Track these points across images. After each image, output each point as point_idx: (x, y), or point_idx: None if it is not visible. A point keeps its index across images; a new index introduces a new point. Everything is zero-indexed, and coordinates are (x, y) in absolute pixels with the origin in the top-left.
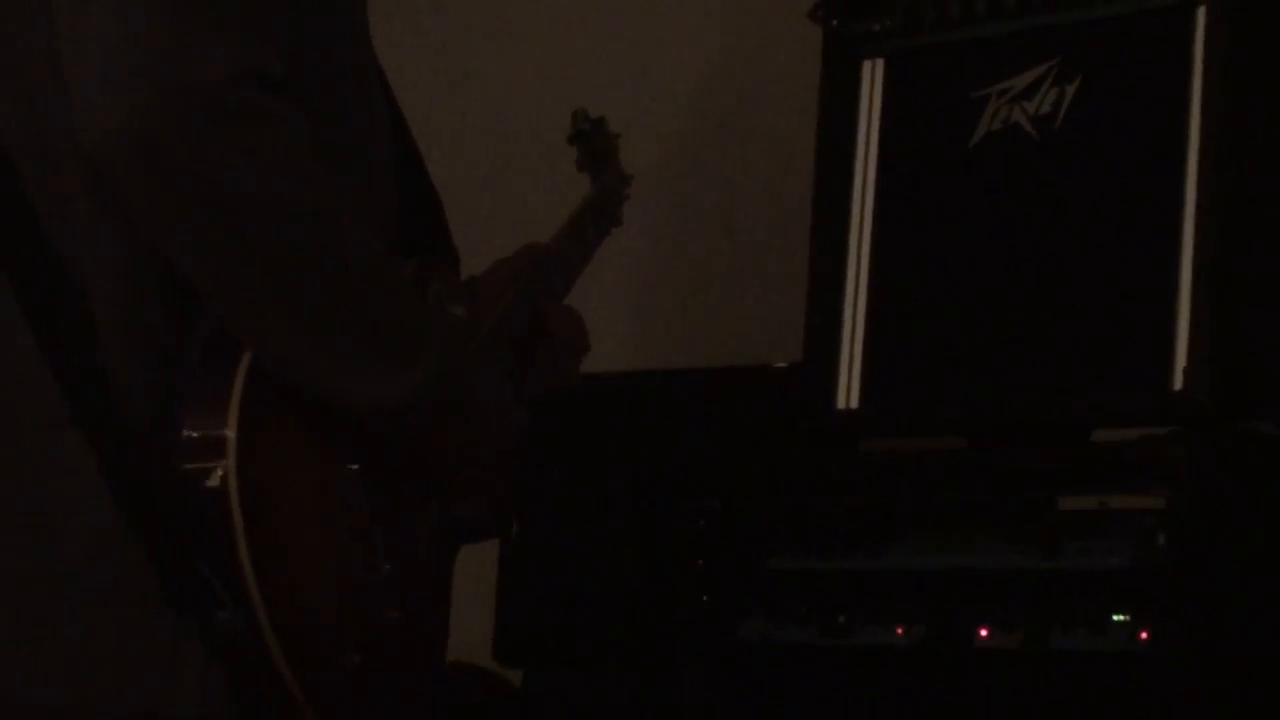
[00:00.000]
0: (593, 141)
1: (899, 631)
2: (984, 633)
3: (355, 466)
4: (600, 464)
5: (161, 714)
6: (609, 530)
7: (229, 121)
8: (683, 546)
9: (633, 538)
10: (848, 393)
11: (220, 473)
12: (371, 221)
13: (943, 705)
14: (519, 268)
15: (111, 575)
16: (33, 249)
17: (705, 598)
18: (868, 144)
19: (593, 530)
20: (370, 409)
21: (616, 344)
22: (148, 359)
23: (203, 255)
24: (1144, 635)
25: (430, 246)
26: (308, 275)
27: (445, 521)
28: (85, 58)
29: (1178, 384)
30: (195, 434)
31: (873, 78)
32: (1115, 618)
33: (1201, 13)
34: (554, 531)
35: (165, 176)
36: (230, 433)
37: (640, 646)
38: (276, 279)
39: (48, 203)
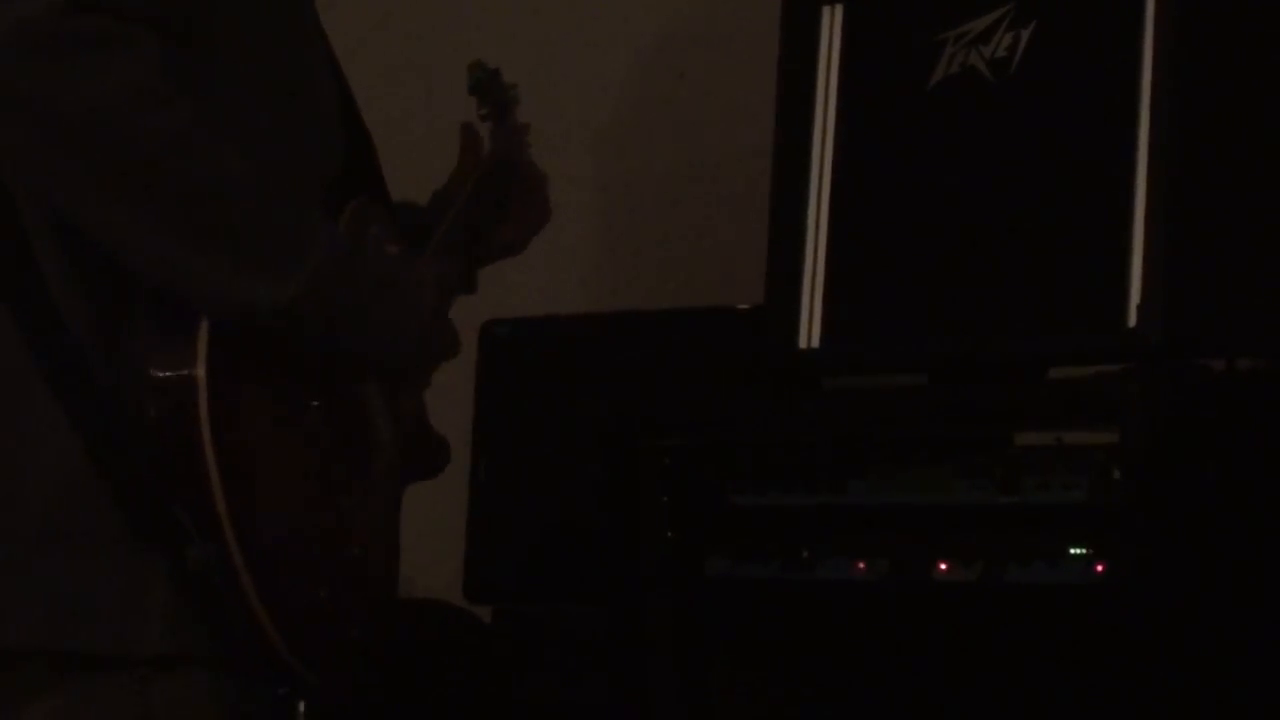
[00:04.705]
0: (490, 93)
1: (861, 566)
2: (943, 566)
3: (316, 403)
4: (567, 403)
5: (129, 652)
6: (576, 469)
7: (61, 49)
8: (648, 484)
9: (599, 476)
10: (809, 333)
11: (191, 411)
12: (309, 159)
13: (904, 637)
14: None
15: (78, 517)
16: None
17: (671, 534)
18: (827, 87)
19: (560, 469)
20: (253, 313)
21: (583, 287)
22: (94, 299)
23: (54, 182)
24: (1100, 568)
25: (366, 189)
26: (165, 189)
27: (398, 460)
28: None
29: (1132, 321)
30: (165, 374)
31: (832, 22)
32: (1072, 551)
33: None
34: (522, 470)
35: (8, 113)
36: (200, 372)
37: (608, 583)
38: (134, 196)
39: None
